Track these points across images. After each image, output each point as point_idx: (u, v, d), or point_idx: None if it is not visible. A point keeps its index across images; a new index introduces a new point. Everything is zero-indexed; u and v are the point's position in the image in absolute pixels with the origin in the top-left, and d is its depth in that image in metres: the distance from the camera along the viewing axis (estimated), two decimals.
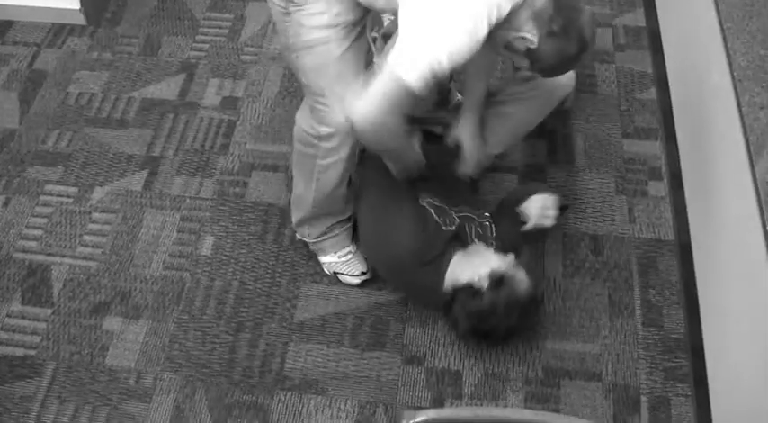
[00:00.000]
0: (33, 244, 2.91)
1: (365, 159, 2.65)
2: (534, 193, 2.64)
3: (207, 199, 3.03)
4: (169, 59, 3.51)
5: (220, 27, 3.65)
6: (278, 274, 2.82)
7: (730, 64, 2.36)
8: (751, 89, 2.25)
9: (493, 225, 2.65)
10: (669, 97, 3.23)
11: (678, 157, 3.04)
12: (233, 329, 2.70)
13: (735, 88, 2.30)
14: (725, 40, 2.42)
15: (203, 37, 3.61)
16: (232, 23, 3.65)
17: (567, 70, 2.41)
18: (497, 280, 2.40)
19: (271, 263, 2.85)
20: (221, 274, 2.83)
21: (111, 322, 2.72)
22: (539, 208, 2.58)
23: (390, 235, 2.53)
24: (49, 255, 2.89)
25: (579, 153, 3.13)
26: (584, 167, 3.09)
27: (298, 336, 2.67)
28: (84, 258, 2.87)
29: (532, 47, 2.11)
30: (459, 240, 2.57)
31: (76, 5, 3.58)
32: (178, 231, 2.94)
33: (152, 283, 2.81)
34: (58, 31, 3.63)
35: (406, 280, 2.63)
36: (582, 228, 2.92)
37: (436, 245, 2.50)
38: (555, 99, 2.84)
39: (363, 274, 2.77)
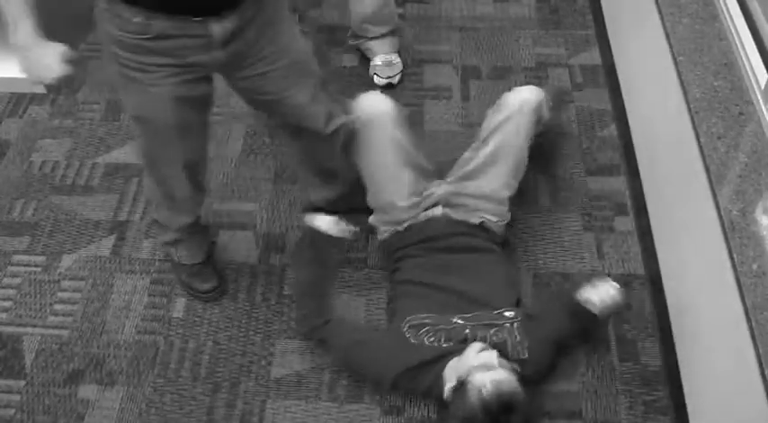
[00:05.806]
0: (3, 315, 2.88)
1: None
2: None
3: None
4: (131, 123, 3.49)
5: None
6: (251, 332, 2.80)
7: (686, 96, 2.40)
8: (708, 119, 2.29)
9: (517, 327, 2.51)
10: (629, 132, 3.27)
11: (642, 190, 3.07)
12: (209, 390, 2.67)
13: (692, 119, 2.33)
14: (679, 73, 2.46)
15: None
16: None
17: None
18: (457, 388, 2.36)
19: (243, 321, 2.83)
20: (194, 335, 2.81)
21: (87, 390, 2.69)
22: (603, 293, 2.55)
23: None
24: (20, 325, 2.85)
25: (543, 194, 3.15)
26: (550, 207, 3.10)
27: (275, 393, 2.65)
28: (56, 327, 2.84)
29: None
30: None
31: None
32: (149, 295, 2.92)
33: (125, 349, 2.78)
34: (18, 101, 3.63)
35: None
36: (552, 267, 2.93)
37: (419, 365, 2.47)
38: (527, 118, 2.81)
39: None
